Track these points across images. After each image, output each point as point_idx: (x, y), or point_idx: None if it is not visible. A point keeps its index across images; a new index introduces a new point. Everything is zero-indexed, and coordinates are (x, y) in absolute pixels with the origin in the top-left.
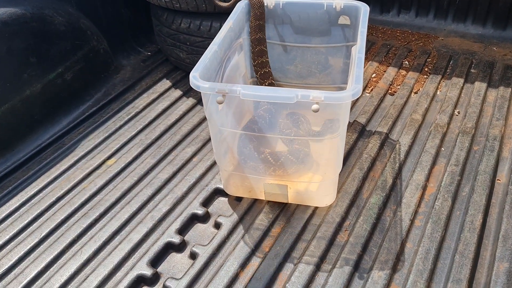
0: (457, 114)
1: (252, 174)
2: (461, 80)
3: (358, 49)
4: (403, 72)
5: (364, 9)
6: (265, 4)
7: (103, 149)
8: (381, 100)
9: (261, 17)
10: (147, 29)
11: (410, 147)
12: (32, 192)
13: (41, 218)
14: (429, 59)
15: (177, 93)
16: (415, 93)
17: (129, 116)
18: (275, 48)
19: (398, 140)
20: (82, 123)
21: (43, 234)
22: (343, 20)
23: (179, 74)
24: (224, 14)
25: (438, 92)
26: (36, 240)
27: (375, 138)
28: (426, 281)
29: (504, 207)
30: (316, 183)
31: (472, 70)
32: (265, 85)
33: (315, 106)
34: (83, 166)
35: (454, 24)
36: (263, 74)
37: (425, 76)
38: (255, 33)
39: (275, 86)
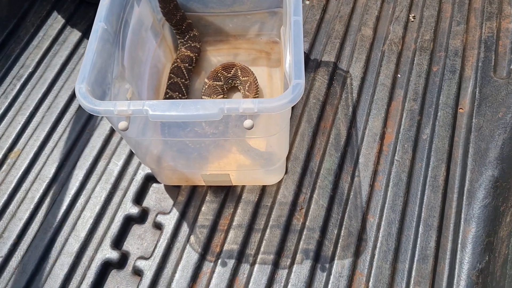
0: (412, 19)
1: (186, 169)
2: None
3: (293, 7)
4: None
5: None
6: None
7: (0, 137)
8: (324, 9)
9: None
10: None
11: (363, 79)
12: None
13: None
14: None
15: (74, 35)
16: None
17: (22, 81)
18: None
19: (348, 71)
20: None
21: None
22: None
23: (71, 3)
24: None
25: None
26: None
27: (322, 72)
28: (391, 264)
29: (468, 150)
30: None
31: None
32: (188, 37)
33: (247, 123)
34: None
35: None
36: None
37: None
38: None
39: (197, 35)
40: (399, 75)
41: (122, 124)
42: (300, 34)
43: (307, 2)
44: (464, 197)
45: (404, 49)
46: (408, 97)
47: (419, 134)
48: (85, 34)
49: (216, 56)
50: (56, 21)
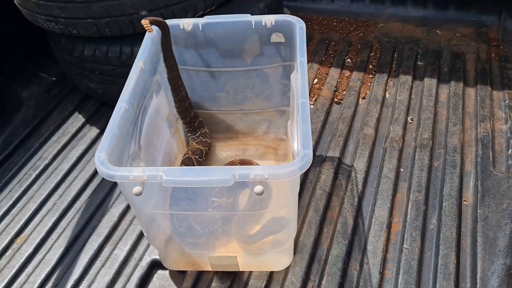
0: (410, 121)
1: (193, 250)
2: (409, 78)
3: (300, 91)
4: (347, 72)
5: (300, 26)
6: (181, 27)
7: (9, 222)
8: (328, 112)
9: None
10: (46, 48)
11: (367, 172)
12: None
13: None
14: (372, 53)
15: (92, 132)
16: (363, 98)
17: (37, 172)
18: (200, 75)
19: (352, 165)
20: None
21: None
22: (276, 37)
23: (93, 105)
24: (133, 36)
25: (387, 95)
26: None
27: (328, 166)
28: None
29: (476, 239)
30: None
31: (419, 63)
32: (199, 133)
33: (258, 188)
34: None
35: (393, 7)
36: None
37: (370, 76)
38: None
39: (207, 132)
40: (401, 169)
41: (136, 189)
42: (307, 114)
43: (312, 107)
44: (478, 285)
45: (405, 146)
46: (412, 188)
47: (426, 224)
48: (103, 131)
49: (226, 151)
50: (77, 119)
